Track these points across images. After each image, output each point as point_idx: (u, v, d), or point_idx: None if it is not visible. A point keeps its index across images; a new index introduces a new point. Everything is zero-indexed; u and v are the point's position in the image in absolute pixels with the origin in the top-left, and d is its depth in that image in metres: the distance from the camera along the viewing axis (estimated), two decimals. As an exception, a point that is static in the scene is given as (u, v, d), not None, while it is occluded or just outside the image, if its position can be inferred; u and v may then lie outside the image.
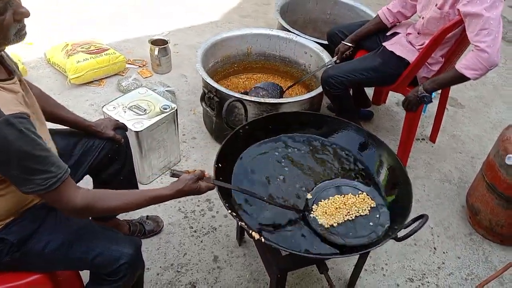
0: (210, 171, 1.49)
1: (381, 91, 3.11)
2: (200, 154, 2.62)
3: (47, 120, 1.46)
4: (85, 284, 1.55)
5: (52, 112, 1.54)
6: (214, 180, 1.43)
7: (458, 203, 2.50)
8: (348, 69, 2.33)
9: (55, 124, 1.61)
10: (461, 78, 2.02)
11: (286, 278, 1.65)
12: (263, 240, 1.38)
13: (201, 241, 2.14)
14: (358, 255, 1.81)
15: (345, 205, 1.54)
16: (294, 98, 2.35)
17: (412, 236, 2.21)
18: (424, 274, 2.11)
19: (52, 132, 1.56)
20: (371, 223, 1.51)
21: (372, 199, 1.58)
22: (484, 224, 2.25)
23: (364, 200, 1.57)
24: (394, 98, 3.28)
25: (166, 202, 2.23)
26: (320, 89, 2.42)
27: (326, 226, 1.48)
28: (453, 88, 3.29)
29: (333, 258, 1.46)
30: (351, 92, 2.88)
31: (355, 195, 1.58)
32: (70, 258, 1.36)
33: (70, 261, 1.37)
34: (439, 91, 2.69)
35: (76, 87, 3.05)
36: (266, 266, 1.78)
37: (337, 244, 1.43)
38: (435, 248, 2.24)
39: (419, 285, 2.05)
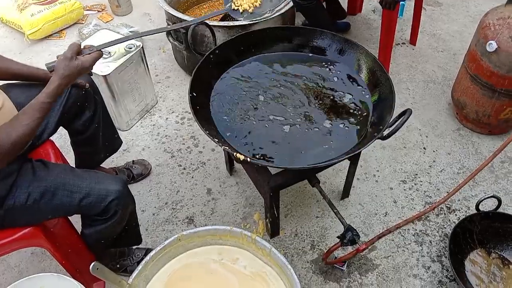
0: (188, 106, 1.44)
1: (355, -1, 2.97)
2: (177, 92, 2.53)
3: None
4: (79, 231, 1.55)
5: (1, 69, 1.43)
6: (98, 46, 1.31)
7: (444, 101, 2.48)
8: (317, -24, 2.20)
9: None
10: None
11: (279, 196, 1.65)
12: (248, 160, 1.36)
13: (192, 177, 2.12)
14: (349, 161, 1.81)
15: None
16: (264, 17, 2.22)
17: (401, 140, 2.27)
18: (416, 174, 2.12)
19: (9, 85, 1.48)
20: None
21: None
22: (471, 117, 2.24)
23: None
24: (370, 5, 3.14)
25: (149, 146, 2.24)
26: (290, 4, 2.29)
27: (250, 11, 1.72)
28: (429, -15, 3.16)
29: (319, 165, 1.42)
30: (324, 4, 2.75)
31: None
32: (56, 205, 1.33)
33: (57, 208, 1.34)
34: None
35: (36, 43, 2.88)
36: (259, 189, 1.78)
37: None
38: (424, 148, 2.24)
39: (412, 185, 2.08)
